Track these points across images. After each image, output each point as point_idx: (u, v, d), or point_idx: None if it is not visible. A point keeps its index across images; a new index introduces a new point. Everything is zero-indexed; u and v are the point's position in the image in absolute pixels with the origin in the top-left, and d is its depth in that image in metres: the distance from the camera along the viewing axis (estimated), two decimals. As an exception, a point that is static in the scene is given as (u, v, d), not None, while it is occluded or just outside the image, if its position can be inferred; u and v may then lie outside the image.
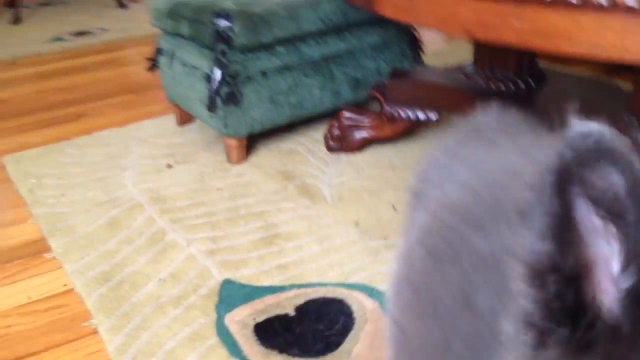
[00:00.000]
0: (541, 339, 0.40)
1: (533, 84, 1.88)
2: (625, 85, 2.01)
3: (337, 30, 2.21)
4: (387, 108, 2.05)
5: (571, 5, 1.10)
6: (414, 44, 2.40)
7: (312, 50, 2.17)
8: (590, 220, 0.38)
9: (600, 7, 1.04)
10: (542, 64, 2.00)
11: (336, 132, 2.14)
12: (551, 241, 0.39)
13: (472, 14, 1.32)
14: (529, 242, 0.40)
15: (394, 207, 1.78)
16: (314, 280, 1.48)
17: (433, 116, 1.97)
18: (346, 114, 2.14)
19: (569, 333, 0.39)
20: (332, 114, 2.22)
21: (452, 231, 0.64)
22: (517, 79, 1.88)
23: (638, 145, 1.50)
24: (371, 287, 1.45)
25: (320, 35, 2.18)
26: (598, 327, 0.39)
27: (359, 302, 1.39)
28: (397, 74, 2.19)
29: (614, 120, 1.58)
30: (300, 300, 1.41)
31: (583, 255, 0.39)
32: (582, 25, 1.08)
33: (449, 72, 2.09)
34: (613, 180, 0.37)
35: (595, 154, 0.37)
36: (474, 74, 1.97)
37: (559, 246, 0.39)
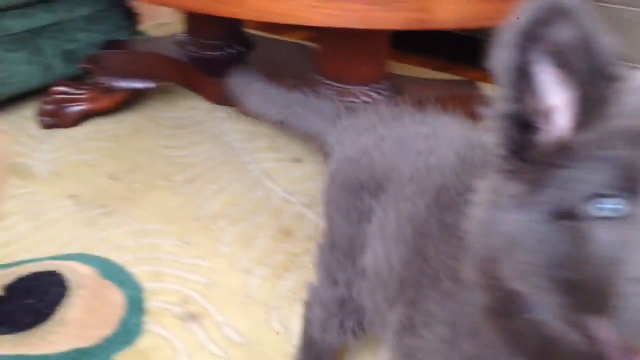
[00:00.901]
0: (503, 170, 0.51)
1: (242, 50, 2.00)
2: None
3: (43, 1, 2.08)
4: (102, 80, 2.01)
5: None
6: (129, 15, 2.36)
7: (15, 23, 2.01)
8: (546, 71, 0.47)
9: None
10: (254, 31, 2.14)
11: (50, 107, 2.03)
12: (509, 91, 0.48)
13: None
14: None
15: (111, 176, 1.77)
16: (24, 257, 1.41)
17: (149, 85, 1.98)
18: (59, 88, 2.04)
19: (515, 162, 0.50)
20: (44, 90, 2.10)
21: None
22: (226, 45, 1.98)
23: (326, 98, 1.69)
24: (88, 254, 1.43)
25: (23, 6, 2.03)
26: (538, 158, 0.49)
27: (73, 271, 1.36)
28: (111, 45, 2.15)
29: (304, 79, 1.77)
30: (8, 280, 1.33)
31: (540, 101, 0.48)
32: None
33: (164, 41, 2.12)
34: (569, 36, 0.45)
35: (552, 14, 0.44)
36: (187, 42, 2.03)
37: (516, 94, 0.49)
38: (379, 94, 1.67)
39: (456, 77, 2.25)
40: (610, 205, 0.46)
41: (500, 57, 0.48)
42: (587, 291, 0.46)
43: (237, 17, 1.22)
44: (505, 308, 0.52)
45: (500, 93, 0.49)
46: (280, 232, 1.60)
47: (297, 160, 1.92)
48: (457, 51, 2.73)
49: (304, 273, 1.46)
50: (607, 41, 0.46)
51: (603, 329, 0.47)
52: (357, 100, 1.65)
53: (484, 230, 0.53)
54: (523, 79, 0.49)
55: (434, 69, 2.58)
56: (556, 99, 0.49)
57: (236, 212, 1.67)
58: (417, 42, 2.88)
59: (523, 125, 0.50)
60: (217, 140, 2.03)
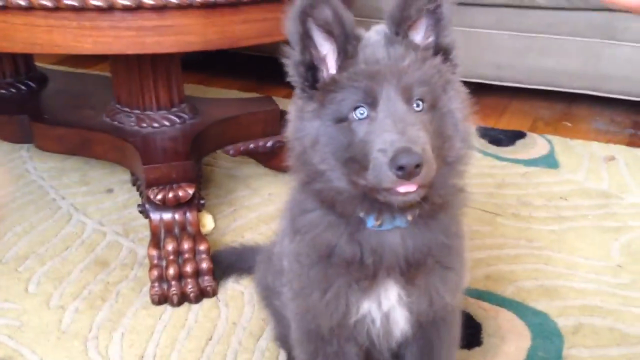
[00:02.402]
0: (303, 96, 0.86)
1: (35, 86, 1.96)
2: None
3: None
4: None
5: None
6: None
7: None
8: (318, 35, 0.84)
9: (23, 8, 1.17)
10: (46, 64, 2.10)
11: None
12: (299, 48, 0.84)
13: None
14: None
15: None
16: None
17: None
18: None
19: (310, 90, 0.85)
20: None
21: None
22: (17, 82, 1.93)
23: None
24: None
25: None
26: (322, 87, 0.84)
27: None
28: None
29: (103, 109, 1.78)
30: None
31: (316, 53, 0.85)
32: (14, 25, 1.19)
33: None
34: (327, 14, 0.82)
35: (316, 1, 0.81)
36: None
37: (302, 49, 0.84)
38: (179, 117, 1.74)
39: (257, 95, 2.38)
40: (360, 112, 0.82)
41: (291, 27, 0.83)
42: (356, 162, 0.82)
43: (6, 51, 1.22)
44: (314, 179, 0.87)
45: (294, 50, 0.85)
46: (95, 264, 1.60)
47: (109, 190, 1.92)
48: (265, 72, 2.90)
49: (121, 300, 1.48)
50: (348, 16, 0.84)
51: (364, 180, 0.82)
52: (157, 125, 1.71)
53: (296, 134, 0.87)
54: (307, 39, 0.84)
55: (242, 90, 2.71)
56: (326, 50, 0.86)
57: (46, 251, 1.64)
58: (227, 66, 3.00)
59: (311, 68, 0.86)
60: (21, 181, 1.96)
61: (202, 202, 1.62)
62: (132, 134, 1.69)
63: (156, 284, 1.46)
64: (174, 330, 1.38)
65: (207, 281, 1.49)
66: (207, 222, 1.72)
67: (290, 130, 0.89)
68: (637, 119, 2.45)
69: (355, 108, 0.82)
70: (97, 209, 1.83)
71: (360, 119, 0.82)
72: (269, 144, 1.88)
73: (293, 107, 0.90)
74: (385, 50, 0.84)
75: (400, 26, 0.85)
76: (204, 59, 2.97)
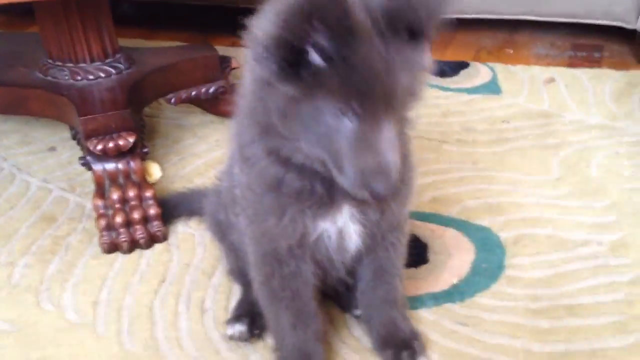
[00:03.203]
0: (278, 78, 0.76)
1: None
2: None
3: None
4: None
5: None
6: None
7: None
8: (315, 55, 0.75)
9: None
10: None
11: None
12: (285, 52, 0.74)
13: None
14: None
15: None
16: None
17: None
18: None
19: (298, 80, 0.76)
20: None
21: None
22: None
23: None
24: None
25: None
26: (308, 71, 0.76)
27: None
28: None
29: (36, 66, 1.74)
30: None
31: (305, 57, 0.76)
32: None
33: None
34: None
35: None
36: None
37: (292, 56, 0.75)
38: (115, 67, 1.71)
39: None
40: (343, 116, 0.79)
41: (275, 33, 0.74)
42: (330, 156, 0.83)
43: None
44: (277, 145, 0.88)
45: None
46: (42, 220, 1.58)
47: (52, 149, 1.89)
48: (209, 22, 2.84)
49: (71, 252, 1.47)
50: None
51: (333, 173, 0.84)
52: (93, 77, 1.67)
53: (257, 102, 0.85)
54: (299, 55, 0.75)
55: (185, 41, 2.66)
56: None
57: (-10, 212, 1.62)
58: (170, 19, 2.94)
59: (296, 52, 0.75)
60: (-40, 146, 1.92)
61: (145, 150, 1.60)
62: (67, 87, 1.65)
63: (105, 233, 1.46)
64: (127, 276, 1.39)
65: (156, 226, 1.49)
66: (154, 171, 1.71)
67: (248, 89, 0.87)
68: (576, 42, 2.49)
69: (339, 110, 0.79)
70: (40, 167, 1.80)
71: (342, 123, 0.80)
72: (211, 89, 1.86)
73: (249, 68, 0.86)
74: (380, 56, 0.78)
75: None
76: (145, 12, 2.91)
